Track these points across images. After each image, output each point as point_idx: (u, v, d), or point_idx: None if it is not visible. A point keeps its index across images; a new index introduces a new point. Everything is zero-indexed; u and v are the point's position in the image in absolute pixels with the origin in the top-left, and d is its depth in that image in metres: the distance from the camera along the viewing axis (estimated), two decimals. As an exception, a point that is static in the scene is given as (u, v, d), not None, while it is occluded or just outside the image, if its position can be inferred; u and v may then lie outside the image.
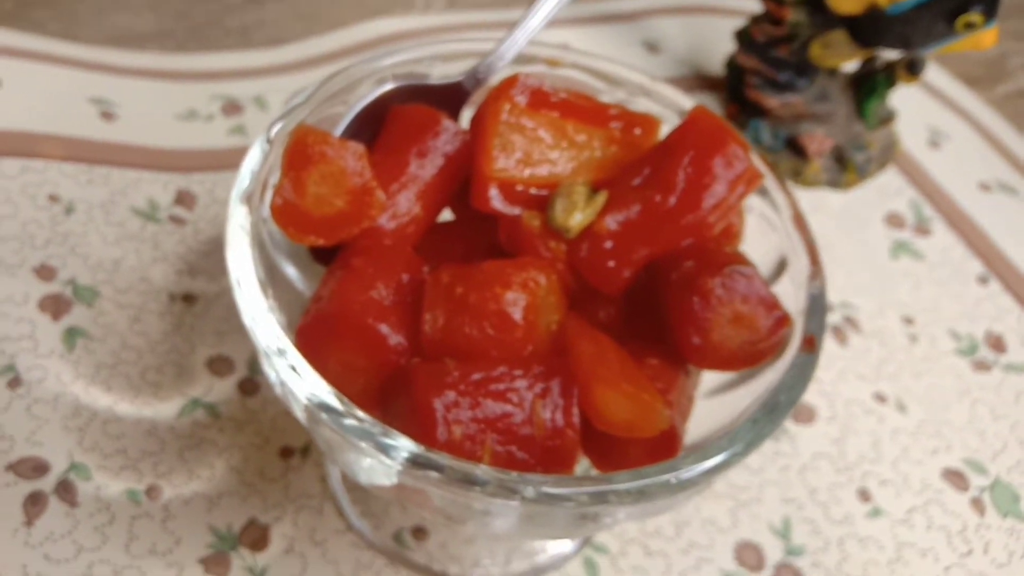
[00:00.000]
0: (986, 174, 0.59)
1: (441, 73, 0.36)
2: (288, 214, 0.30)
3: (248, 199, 0.31)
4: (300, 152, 0.30)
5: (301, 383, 0.26)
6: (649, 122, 0.34)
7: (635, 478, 0.26)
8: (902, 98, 0.58)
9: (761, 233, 0.35)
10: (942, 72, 0.65)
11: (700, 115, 0.32)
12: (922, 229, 0.54)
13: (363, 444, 0.26)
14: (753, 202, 0.35)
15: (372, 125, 0.35)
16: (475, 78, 0.36)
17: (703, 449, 0.28)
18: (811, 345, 0.30)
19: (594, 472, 0.31)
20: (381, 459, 0.26)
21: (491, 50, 0.36)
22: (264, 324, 0.27)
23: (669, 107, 0.37)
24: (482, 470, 0.25)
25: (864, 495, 0.41)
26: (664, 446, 0.29)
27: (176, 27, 0.57)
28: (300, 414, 0.28)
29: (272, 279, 0.31)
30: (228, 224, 0.30)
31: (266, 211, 0.31)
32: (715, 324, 0.30)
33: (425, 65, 0.36)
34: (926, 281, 0.51)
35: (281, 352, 0.27)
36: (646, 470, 0.27)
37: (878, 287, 0.50)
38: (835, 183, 0.55)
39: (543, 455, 0.28)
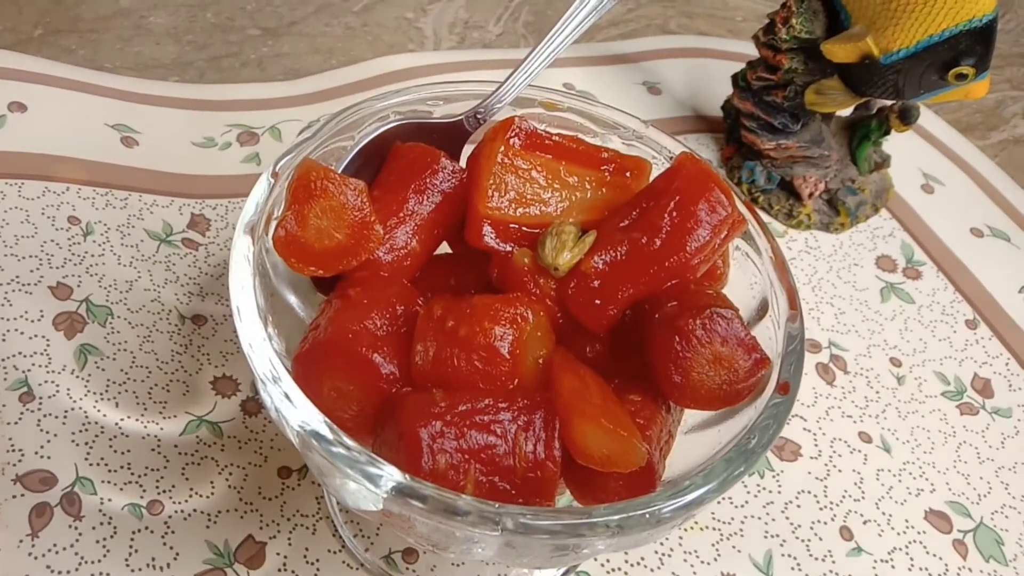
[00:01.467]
0: (978, 220, 0.59)
1: (444, 112, 0.38)
2: (290, 245, 0.32)
3: (252, 230, 0.32)
4: (303, 186, 0.32)
5: (294, 410, 0.28)
6: (640, 165, 0.36)
7: (611, 512, 0.27)
8: (897, 143, 0.59)
9: (745, 276, 0.36)
10: (937, 119, 0.66)
11: (686, 161, 0.33)
12: (912, 272, 0.55)
13: (350, 471, 0.27)
14: (738, 245, 0.36)
15: (376, 160, 0.36)
16: (475, 118, 0.37)
17: (679, 486, 0.29)
18: (785, 390, 0.31)
19: (575, 504, 0.32)
20: (368, 486, 0.27)
21: (491, 92, 0.37)
22: (260, 352, 0.29)
23: (660, 152, 0.38)
24: (464, 501, 0.26)
25: (846, 533, 0.42)
26: (642, 481, 0.30)
27: (196, 58, 0.59)
28: (293, 439, 0.29)
29: (273, 307, 0.33)
30: (232, 253, 0.31)
31: (270, 242, 0.32)
32: (695, 364, 0.31)
33: (429, 104, 0.38)
34: (915, 324, 0.52)
35: (276, 379, 0.28)
36: (622, 505, 0.27)
37: (866, 328, 0.51)
38: (827, 225, 0.56)
39: (524, 486, 0.29)
